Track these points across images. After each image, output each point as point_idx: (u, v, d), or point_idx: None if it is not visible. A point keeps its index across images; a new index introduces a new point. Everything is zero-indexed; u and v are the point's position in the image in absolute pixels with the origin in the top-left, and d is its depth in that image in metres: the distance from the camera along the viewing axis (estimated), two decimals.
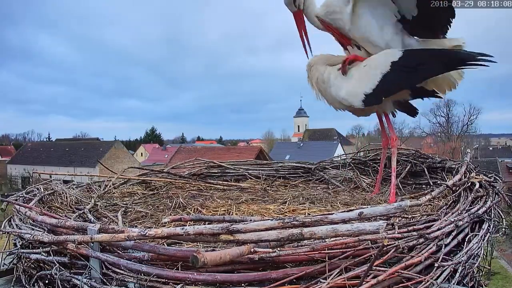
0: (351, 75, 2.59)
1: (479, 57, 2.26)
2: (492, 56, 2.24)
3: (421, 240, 1.46)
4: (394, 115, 2.88)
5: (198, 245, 1.65)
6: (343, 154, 4.04)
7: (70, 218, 1.96)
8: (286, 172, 3.68)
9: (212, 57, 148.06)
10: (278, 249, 1.36)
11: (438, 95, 2.62)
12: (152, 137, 69.67)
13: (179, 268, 1.37)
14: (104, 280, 1.46)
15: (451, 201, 2.10)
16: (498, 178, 2.52)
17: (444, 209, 1.90)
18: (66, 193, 2.64)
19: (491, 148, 42.65)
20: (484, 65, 2.25)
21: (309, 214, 2.27)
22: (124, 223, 2.20)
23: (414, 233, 1.46)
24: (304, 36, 2.76)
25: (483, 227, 1.85)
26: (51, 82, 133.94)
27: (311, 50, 2.78)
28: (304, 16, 2.70)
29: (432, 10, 2.35)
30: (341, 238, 1.36)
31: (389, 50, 2.48)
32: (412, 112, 2.84)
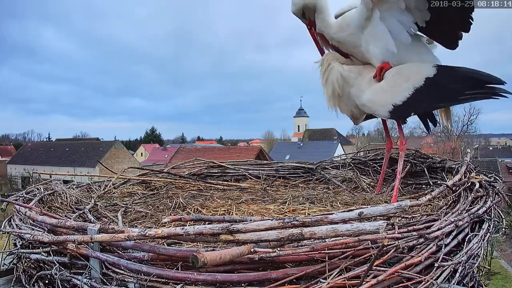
0: (374, 81, 2.46)
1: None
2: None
3: (421, 240, 1.46)
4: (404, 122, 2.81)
5: (198, 245, 1.65)
6: (343, 154, 4.04)
7: (70, 218, 1.96)
8: (286, 172, 3.67)
9: (217, 55, 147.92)
10: (278, 249, 1.36)
11: None
12: (152, 137, 69.69)
13: (179, 268, 1.37)
14: (104, 280, 1.46)
15: (451, 201, 2.10)
16: (498, 178, 2.52)
17: (444, 209, 1.90)
18: (66, 193, 2.64)
19: (491, 148, 42.53)
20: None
21: (309, 214, 2.27)
22: (124, 223, 2.20)
23: (414, 233, 1.46)
24: (318, 43, 2.71)
25: (483, 227, 1.85)
26: (53, 80, 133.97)
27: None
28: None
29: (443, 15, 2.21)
30: (341, 238, 1.36)
31: (421, 63, 2.35)
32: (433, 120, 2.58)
